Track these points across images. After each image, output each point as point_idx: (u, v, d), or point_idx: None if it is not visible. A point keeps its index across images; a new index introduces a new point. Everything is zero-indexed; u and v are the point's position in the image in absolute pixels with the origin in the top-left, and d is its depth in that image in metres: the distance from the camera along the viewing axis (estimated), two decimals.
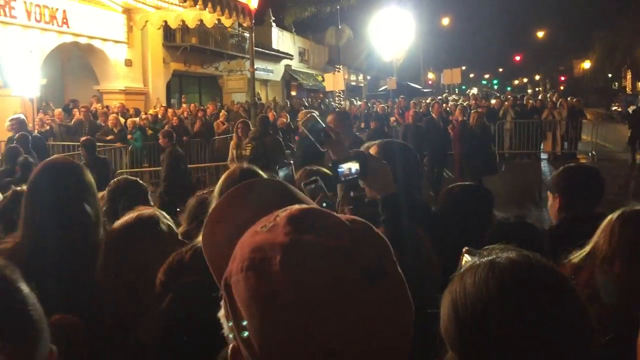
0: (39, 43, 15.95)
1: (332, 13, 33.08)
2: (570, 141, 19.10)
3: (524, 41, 73.24)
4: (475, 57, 74.97)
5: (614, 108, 39.42)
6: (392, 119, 18.83)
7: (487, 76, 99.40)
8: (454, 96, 33.64)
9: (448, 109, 19.32)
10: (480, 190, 2.94)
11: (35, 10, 15.94)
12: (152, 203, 3.34)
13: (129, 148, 14.30)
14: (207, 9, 15.44)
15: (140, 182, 3.30)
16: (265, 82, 32.88)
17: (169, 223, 1.97)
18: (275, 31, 34.18)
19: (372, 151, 2.80)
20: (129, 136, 14.45)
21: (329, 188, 2.51)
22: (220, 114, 18.25)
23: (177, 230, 2.39)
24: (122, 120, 15.24)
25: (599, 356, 1.12)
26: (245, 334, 0.73)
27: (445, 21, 57.58)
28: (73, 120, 15.41)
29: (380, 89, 40.03)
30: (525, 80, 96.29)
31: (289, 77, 36.22)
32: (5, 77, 10.75)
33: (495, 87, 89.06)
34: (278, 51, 33.59)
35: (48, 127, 14.46)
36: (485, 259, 1.22)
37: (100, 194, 2.97)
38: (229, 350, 0.78)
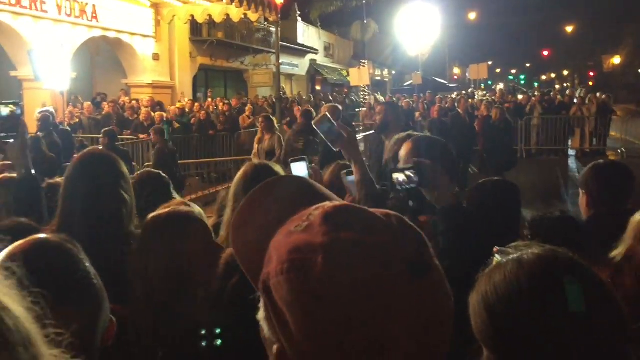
0: (69, 37, 16.21)
1: (357, 7, 32.96)
2: (599, 138, 18.78)
3: (552, 36, 72.13)
4: (502, 52, 74.09)
5: None
6: (417, 113, 18.74)
7: (514, 71, 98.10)
8: (480, 92, 33.31)
9: (474, 104, 19.14)
10: (511, 186, 2.92)
11: (65, 4, 16.22)
12: (175, 196, 3.38)
13: (170, 143, 14.43)
14: (233, 3, 15.55)
15: (163, 175, 3.33)
16: (290, 77, 32.92)
17: (202, 218, 2.01)
18: (300, 26, 34.17)
19: (406, 147, 2.79)
20: None
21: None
22: (246, 108, 18.34)
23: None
24: (152, 114, 15.41)
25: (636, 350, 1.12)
26: (291, 335, 0.72)
27: (472, 15, 56.95)
28: (102, 113, 15.64)
29: (406, 83, 39.79)
30: (553, 75, 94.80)
31: (314, 71, 36.20)
32: (36, 71, 10.93)
33: (523, 82, 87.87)
34: (303, 46, 33.59)
35: (77, 120, 14.71)
36: (512, 256, 1.22)
37: None
38: (275, 352, 0.76)
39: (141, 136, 14.07)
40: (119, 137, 13.79)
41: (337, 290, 0.69)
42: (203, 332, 1.13)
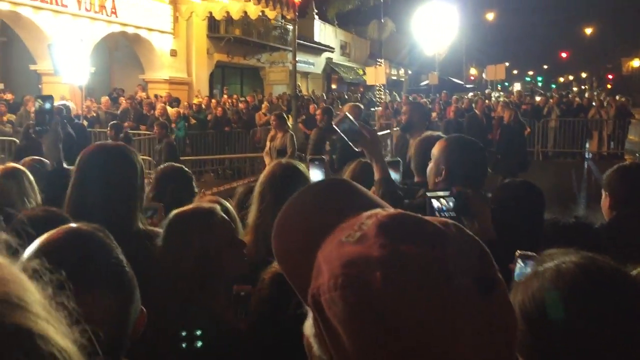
0: (88, 32, 16.35)
1: (375, 6, 32.88)
2: (617, 141, 18.60)
3: (571, 38, 71.61)
4: (519, 53, 73.68)
5: None
6: (434, 114, 18.66)
7: (531, 73, 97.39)
8: (495, 93, 33.11)
9: (491, 105, 19.05)
10: (535, 188, 2.89)
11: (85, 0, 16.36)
12: (196, 190, 3.39)
13: (173, 137, 14.54)
14: (252, 1, 15.58)
15: (186, 169, 3.35)
16: (306, 75, 32.94)
17: (224, 215, 2.01)
18: (317, 24, 34.17)
19: (438, 146, 2.77)
20: (172, 125, 14.70)
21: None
22: (263, 105, 18.38)
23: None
24: (169, 109, 15.52)
25: None
26: (346, 354, 0.67)
27: (490, 16, 56.62)
28: (119, 108, 15.77)
29: (422, 83, 39.67)
30: (571, 77, 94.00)
31: (330, 70, 36.19)
32: (56, 65, 11.03)
33: (540, 84, 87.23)
34: (320, 44, 33.59)
35: (95, 114, 14.85)
36: (548, 265, 1.19)
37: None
38: None
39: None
40: (135, 131, 13.95)
41: (399, 309, 0.65)
42: (184, 333, 1.12)
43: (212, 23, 22.32)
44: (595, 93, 26.04)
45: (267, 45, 27.22)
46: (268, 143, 10.42)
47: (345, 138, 2.60)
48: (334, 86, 37.21)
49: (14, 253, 0.66)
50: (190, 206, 2.00)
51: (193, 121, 15.35)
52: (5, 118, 13.27)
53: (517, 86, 59.62)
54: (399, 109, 21.41)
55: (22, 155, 8.35)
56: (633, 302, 1.09)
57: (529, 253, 1.68)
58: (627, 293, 1.10)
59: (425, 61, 39.05)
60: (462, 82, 45.28)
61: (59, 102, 10.87)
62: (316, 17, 33.96)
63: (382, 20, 33.47)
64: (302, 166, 2.69)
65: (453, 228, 0.72)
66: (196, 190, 3.36)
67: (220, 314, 1.89)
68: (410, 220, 0.73)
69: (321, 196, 0.86)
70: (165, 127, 10.78)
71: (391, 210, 0.77)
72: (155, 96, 17.51)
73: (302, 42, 27.35)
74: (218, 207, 2.01)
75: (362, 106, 9.72)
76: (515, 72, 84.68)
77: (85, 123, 12.84)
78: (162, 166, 3.41)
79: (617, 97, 21.01)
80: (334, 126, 2.68)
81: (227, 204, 2.53)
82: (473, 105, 15.61)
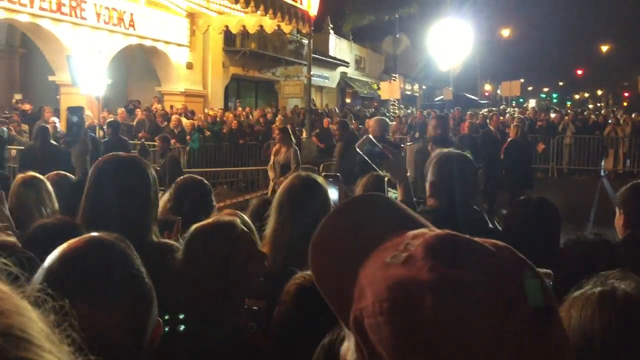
0: (106, 44, 16.55)
1: (390, 22, 32.99)
2: (633, 159, 18.43)
3: (586, 55, 71.29)
4: (534, 70, 73.39)
5: None
6: None
7: (546, 89, 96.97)
8: (510, 109, 32.99)
9: (505, 121, 18.98)
10: (550, 206, 2.88)
11: (104, 12, 16.59)
12: (215, 203, 3.40)
13: (187, 149, 14.65)
14: (268, 15, 15.70)
15: (206, 181, 3.36)
16: (320, 89, 33.05)
17: (245, 229, 2.02)
18: (332, 38, 34.34)
19: (430, 161, 2.81)
20: (187, 137, 14.81)
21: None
22: (277, 118, 18.48)
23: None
24: (184, 121, 15.64)
25: None
26: None
27: (505, 33, 56.59)
28: (135, 119, 15.93)
29: (436, 99, 39.65)
30: (586, 95, 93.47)
31: (345, 84, 36.30)
32: (74, 76, 11.17)
33: (555, 100, 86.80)
34: (335, 58, 33.73)
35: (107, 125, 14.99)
36: (599, 289, 1.15)
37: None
38: None
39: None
40: (151, 142, 14.06)
41: (451, 338, 0.61)
42: (167, 317, 1.13)
43: (228, 36, 22.52)
44: (612, 110, 25.83)
45: (283, 59, 27.39)
46: (272, 157, 10.37)
47: (369, 161, 2.59)
48: (348, 100, 37.29)
49: (14, 280, 0.65)
50: (210, 219, 2.01)
51: (208, 133, 15.46)
52: (22, 127, 13.47)
53: (532, 102, 59.41)
54: (412, 124, 21.40)
55: (39, 161, 8.44)
56: None
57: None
58: None
59: (439, 76, 39.07)
60: (477, 98, 45.20)
61: None
62: (331, 31, 34.14)
63: (397, 36, 33.56)
64: (320, 179, 2.70)
65: (506, 251, 0.68)
66: (214, 203, 3.36)
67: (244, 329, 1.90)
68: (460, 241, 0.68)
69: (361, 212, 0.81)
70: (167, 140, 10.82)
71: (437, 230, 0.73)
72: (171, 107, 17.69)
73: (317, 56, 27.49)
74: (238, 220, 2.01)
75: (387, 120, 9.72)
76: (530, 88, 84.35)
77: (102, 133, 12.97)
78: (182, 177, 3.41)
79: (634, 115, 20.84)
80: (357, 149, 2.68)
81: (245, 218, 2.55)
82: (487, 121, 15.55)
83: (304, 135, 18.38)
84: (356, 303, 0.68)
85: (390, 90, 25.42)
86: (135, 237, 2.15)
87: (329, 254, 0.77)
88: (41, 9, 14.64)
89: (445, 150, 3.16)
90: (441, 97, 33.85)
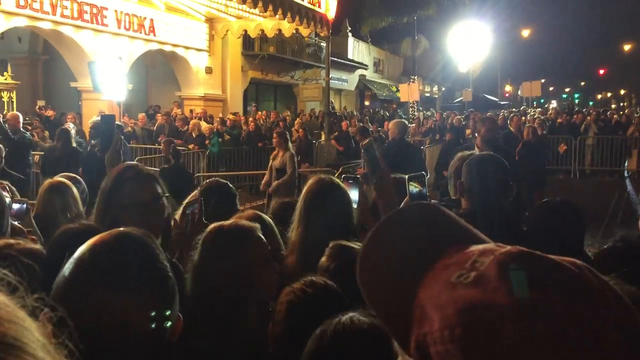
0: (127, 50, 16.75)
1: (408, 23, 32.88)
2: None
3: (608, 54, 70.32)
4: (555, 70, 72.59)
5: None
6: (468, 131, 18.52)
7: (567, 90, 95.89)
8: (531, 110, 32.67)
9: (527, 122, 18.80)
10: (574, 208, 2.84)
11: (125, 18, 16.78)
12: (239, 207, 3.42)
13: (207, 153, 14.73)
14: (286, 18, 15.73)
15: (230, 185, 3.38)
16: (339, 92, 33.07)
17: (261, 236, 2.02)
18: (351, 41, 34.36)
19: (458, 163, 2.80)
20: (206, 142, 14.89)
21: None
22: (295, 121, 18.50)
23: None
24: (204, 125, 15.74)
25: None
26: None
27: (525, 33, 56.09)
28: (156, 124, 16.08)
29: (456, 100, 39.42)
30: (609, 94, 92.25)
31: (363, 86, 36.28)
32: (95, 82, 11.31)
33: (577, 101, 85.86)
34: (353, 61, 33.73)
35: (131, 130, 15.16)
36: None
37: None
38: None
39: (190, 146, 14.38)
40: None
41: None
42: (153, 314, 1.15)
43: (247, 41, 22.65)
44: (635, 110, 25.41)
45: (301, 62, 27.46)
46: (270, 161, 10.25)
47: (368, 163, 2.63)
48: (367, 103, 37.27)
49: (12, 290, 0.64)
50: (229, 222, 2.02)
51: (227, 137, 15.53)
52: (45, 134, 13.67)
53: (553, 103, 58.78)
54: (433, 126, 21.28)
55: (58, 161, 8.75)
56: None
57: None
58: None
59: (458, 77, 38.87)
60: (497, 99, 44.83)
61: (97, 117, 11.18)
62: (350, 34, 34.16)
63: (416, 37, 33.48)
64: (340, 182, 2.71)
65: (587, 271, 0.61)
66: (239, 207, 3.38)
67: (252, 333, 1.90)
68: (536, 260, 0.62)
69: (413, 223, 0.75)
70: (172, 144, 10.88)
71: (509, 246, 0.66)
72: (190, 112, 17.83)
73: (335, 59, 27.54)
74: (258, 226, 2.01)
75: (406, 122, 9.68)
76: (551, 89, 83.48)
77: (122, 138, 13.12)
78: (207, 181, 3.44)
79: None
80: (362, 147, 2.72)
81: (268, 219, 2.55)
82: (508, 122, 15.40)
83: (323, 138, 18.38)
84: (417, 327, 0.63)
85: (409, 92, 25.32)
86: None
87: (379, 269, 0.71)
88: (63, 16, 14.86)
89: (468, 152, 3.13)
90: (460, 98, 33.63)
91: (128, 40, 17.04)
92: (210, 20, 20.10)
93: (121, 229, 1.28)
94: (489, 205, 2.73)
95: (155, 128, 15.81)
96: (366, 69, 35.68)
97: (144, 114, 17.21)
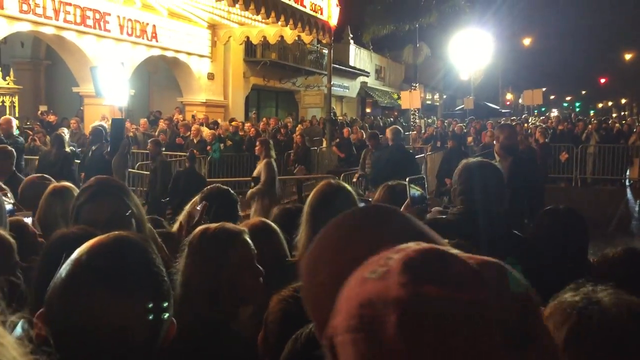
0: (129, 56, 16.78)
1: (410, 31, 32.95)
2: None
3: (609, 63, 70.35)
4: (556, 79, 72.61)
5: None
6: (469, 138, 18.53)
7: (568, 98, 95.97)
8: (532, 118, 32.70)
9: (529, 129, 18.83)
10: (578, 216, 2.84)
11: (127, 24, 16.82)
12: (240, 213, 3.40)
13: (208, 159, 14.73)
14: (288, 25, 15.77)
15: (232, 191, 3.36)
16: (340, 98, 33.11)
17: (247, 239, 2.03)
18: (352, 48, 34.43)
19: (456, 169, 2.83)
20: (208, 147, 14.89)
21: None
22: (297, 128, 18.52)
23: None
24: (206, 131, 15.75)
25: None
26: None
27: (526, 41, 56.19)
28: (157, 129, 16.09)
29: (457, 108, 39.46)
30: (610, 103, 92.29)
31: (365, 94, 36.33)
32: (97, 87, 11.32)
33: (578, 109, 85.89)
34: (355, 68, 33.79)
35: (133, 135, 15.16)
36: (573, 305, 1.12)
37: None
38: None
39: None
40: (170, 152, 14.20)
41: None
42: (148, 317, 1.15)
43: (249, 47, 22.69)
44: (637, 118, 25.41)
45: (303, 69, 27.51)
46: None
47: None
48: (368, 110, 37.30)
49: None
50: (215, 224, 2.02)
51: (229, 143, 15.53)
52: (47, 139, 13.67)
53: (554, 112, 58.82)
54: (434, 133, 21.29)
55: (51, 165, 8.99)
56: None
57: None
58: None
59: (460, 85, 38.92)
60: (498, 107, 44.87)
61: (96, 123, 11.21)
62: (351, 41, 34.24)
63: (417, 45, 33.51)
64: (348, 186, 2.70)
65: (493, 270, 0.62)
66: (240, 213, 3.37)
67: (238, 335, 1.90)
68: (443, 257, 0.62)
69: (354, 227, 0.76)
70: (159, 144, 10.99)
71: (425, 244, 0.67)
72: (192, 117, 17.85)
73: (337, 66, 27.59)
74: (244, 230, 2.02)
75: (401, 129, 9.79)
76: (552, 97, 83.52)
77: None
78: (208, 187, 3.41)
79: None
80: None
81: (275, 226, 2.54)
82: None
83: (324, 145, 18.39)
84: (331, 321, 0.64)
85: (410, 99, 25.32)
86: None
87: (318, 272, 0.73)
88: (66, 21, 14.90)
89: (473, 159, 3.17)
90: (462, 106, 33.66)
91: (130, 45, 17.07)
92: (213, 27, 20.15)
93: (118, 232, 1.28)
94: (479, 209, 2.79)
95: (156, 133, 15.81)
96: (368, 76, 35.74)
97: (145, 119, 17.22)
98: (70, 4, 14.93)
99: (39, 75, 20.66)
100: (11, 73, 15.56)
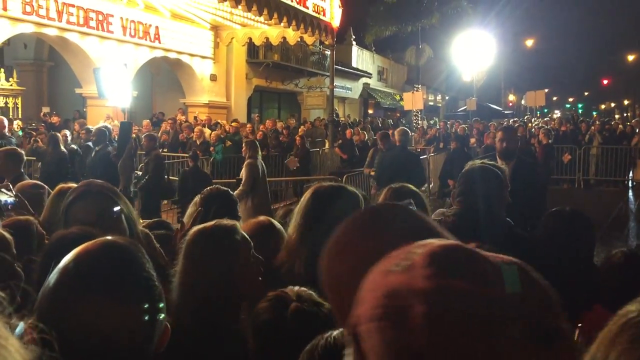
0: (132, 57, 16.79)
1: (412, 32, 32.97)
2: None
3: (612, 64, 70.32)
4: (559, 80, 72.58)
5: None
6: (472, 140, 18.51)
7: (571, 99, 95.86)
8: (535, 119, 32.67)
9: (532, 130, 18.81)
10: (584, 218, 2.83)
11: (130, 25, 16.85)
12: (240, 215, 3.40)
13: (211, 160, 14.73)
14: (291, 27, 15.78)
15: (231, 192, 3.36)
16: (343, 100, 33.11)
17: (244, 234, 2.01)
18: (355, 49, 34.43)
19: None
20: (211, 149, 14.89)
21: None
22: (300, 129, 18.52)
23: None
24: (208, 132, 15.76)
25: None
26: None
27: (529, 42, 56.16)
28: (160, 130, 16.11)
29: (460, 109, 39.43)
30: (612, 104, 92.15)
31: (367, 95, 36.32)
32: (100, 88, 11.34)
33: (580, 111, 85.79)
34: (357, 69, 33.79)
35: (135, 137, 15.18)
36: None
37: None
38: None
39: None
40: (174, 154, 14.21)
41: (440, 352, 0.58)
42: (139, 323, 1.14)
43: (252, 48, 22.71)
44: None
45: (305, 70, 27.52)
46: None
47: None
48: (370, 111, 37.29)
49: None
50: (210, 223, 2.00)
51: (229, 143, 15.51)
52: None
53: (557, 113, 58.72)
54: (437, 135, 21.28)
55: (48, 164, 9.21)
56: None
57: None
58: None
59: (462, 87, 38.90)
60: (501, 108, 44.82)
61: (101, 123, 11.23)
62: (354, 42, 34.24)
63: (420, 46, 33.53)
64: (346, 187, 2.68)
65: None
66: (240, 214, 3.36)
67: (238, 335, 1.88)
68: (466, 253, 0.65)
69: (374, 222, 0.80)
70: (154, 139, 10.93)
71: (447, 241, 0.70)
72: (195, 118, 17.86)
73: (339, 67, 27.60)
74: (238, 225, 2.01)
75: (409, 131, 9.89)
76: (555, 98, 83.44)
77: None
78: (208, 188, 3.41)
79: None
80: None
81: (279, 225, 2.54)
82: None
83: (327, 146, 18.38)
84: (355, 310, 0.67)
85: (413, 100, 25.32)
86: None
87: (339, 264, 0.76)
88: (69, 22, 14.92)
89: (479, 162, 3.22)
90: (464, 107, 33.64)
91: (133, 47, 17.10)
92: (216, 28, 20.16)
93: (107, 237, 1.27)
94: (476, 210, 2.84)
95: (159, 134, 15.83)
96: (370, 78, 35.73)
97: (148, 120, 17.24)
98: (73, 6, 14.96)
99: (41, 76, 20.70)
100: (14, 74, 15.64)
